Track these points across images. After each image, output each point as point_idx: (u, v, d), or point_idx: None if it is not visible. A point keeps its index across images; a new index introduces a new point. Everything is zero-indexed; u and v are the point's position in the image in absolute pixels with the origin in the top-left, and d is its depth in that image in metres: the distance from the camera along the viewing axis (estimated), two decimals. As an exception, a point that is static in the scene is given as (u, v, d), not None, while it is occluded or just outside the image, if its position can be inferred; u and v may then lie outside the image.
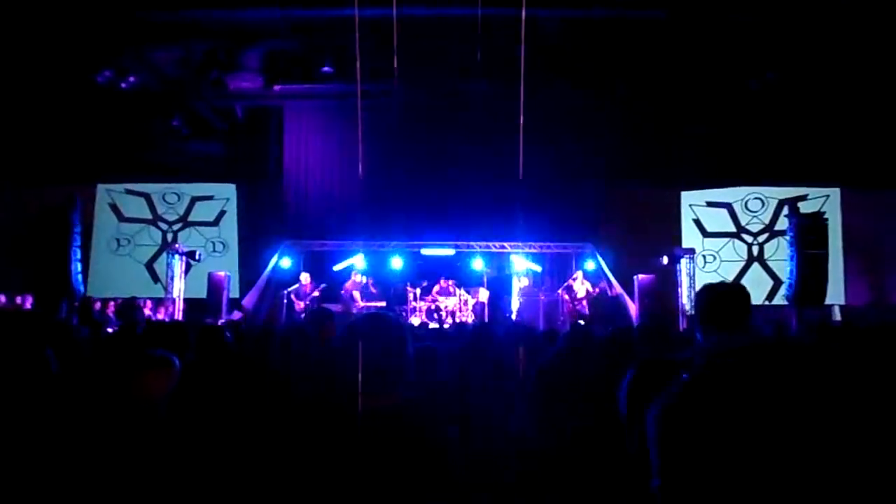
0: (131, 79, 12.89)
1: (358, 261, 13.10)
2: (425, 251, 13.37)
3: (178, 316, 11.93)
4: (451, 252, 13.36)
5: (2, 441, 2.00)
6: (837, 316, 12.49)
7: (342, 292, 12.72)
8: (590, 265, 13.20)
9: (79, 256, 10.82)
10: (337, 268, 13.34)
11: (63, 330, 3.93)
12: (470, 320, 12.01)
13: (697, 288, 11.66)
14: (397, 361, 1.87)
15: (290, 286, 12.50)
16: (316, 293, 12.36)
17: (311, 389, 2.60)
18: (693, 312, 11.95)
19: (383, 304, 12.68)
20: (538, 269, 13.77)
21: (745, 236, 13.56)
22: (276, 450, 1.78)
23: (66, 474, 2.01)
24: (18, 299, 11.47)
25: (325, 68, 12.01)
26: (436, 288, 12.81)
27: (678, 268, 12.21)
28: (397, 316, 2.19)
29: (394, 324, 1.94)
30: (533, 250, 13.62)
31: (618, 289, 12.84)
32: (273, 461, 1.76)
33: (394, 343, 1.87)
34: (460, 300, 12.69)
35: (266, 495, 1.76)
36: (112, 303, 12.17)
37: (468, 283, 13.15)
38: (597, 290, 12.62)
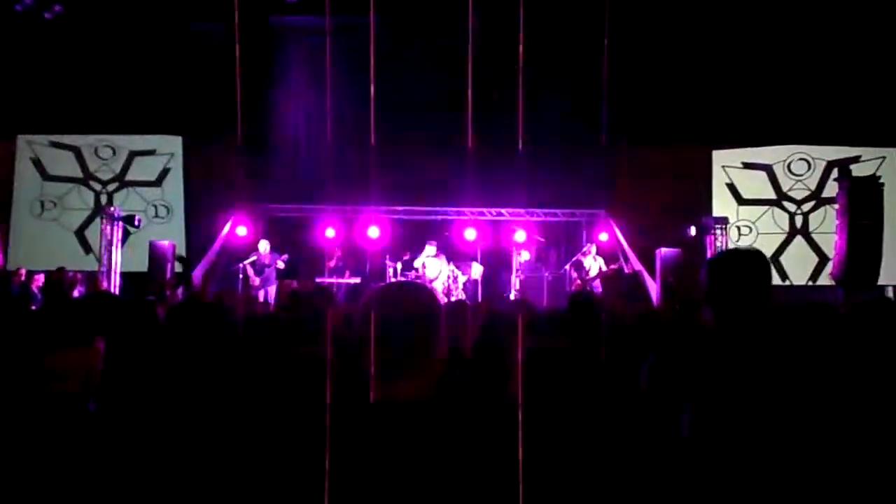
0: (57, 8, 12.15)
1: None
2: (408, 218, 12.90)
3: (115, 292, 11.05)
4: (437, 219, 12.88)
5: None
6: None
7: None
8: (604, 236, 12.58)
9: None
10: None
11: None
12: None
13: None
14: (426, 338, 1.69)
15: (246, 257, 11.84)
16: (280, 265, 11.59)
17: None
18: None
19: (357, 280, 12.13)
20: (542, 240, 13.22)
21: (787, 204, 12.99)
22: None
23: None
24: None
25: None
26: (420, 262, 12.03)
27: (708, 240, 11.55)
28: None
29: (425, 293, 1.83)
30: (536, 218, 13.20)
31: (636, 264, 12.14)
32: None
33: (423, 315, 1.69)
34: (450, 277, 11.95)
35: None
36: (38, 276, 11.25)
37: (459, 257, 12.49)
38: (612, 267, 11.83)
